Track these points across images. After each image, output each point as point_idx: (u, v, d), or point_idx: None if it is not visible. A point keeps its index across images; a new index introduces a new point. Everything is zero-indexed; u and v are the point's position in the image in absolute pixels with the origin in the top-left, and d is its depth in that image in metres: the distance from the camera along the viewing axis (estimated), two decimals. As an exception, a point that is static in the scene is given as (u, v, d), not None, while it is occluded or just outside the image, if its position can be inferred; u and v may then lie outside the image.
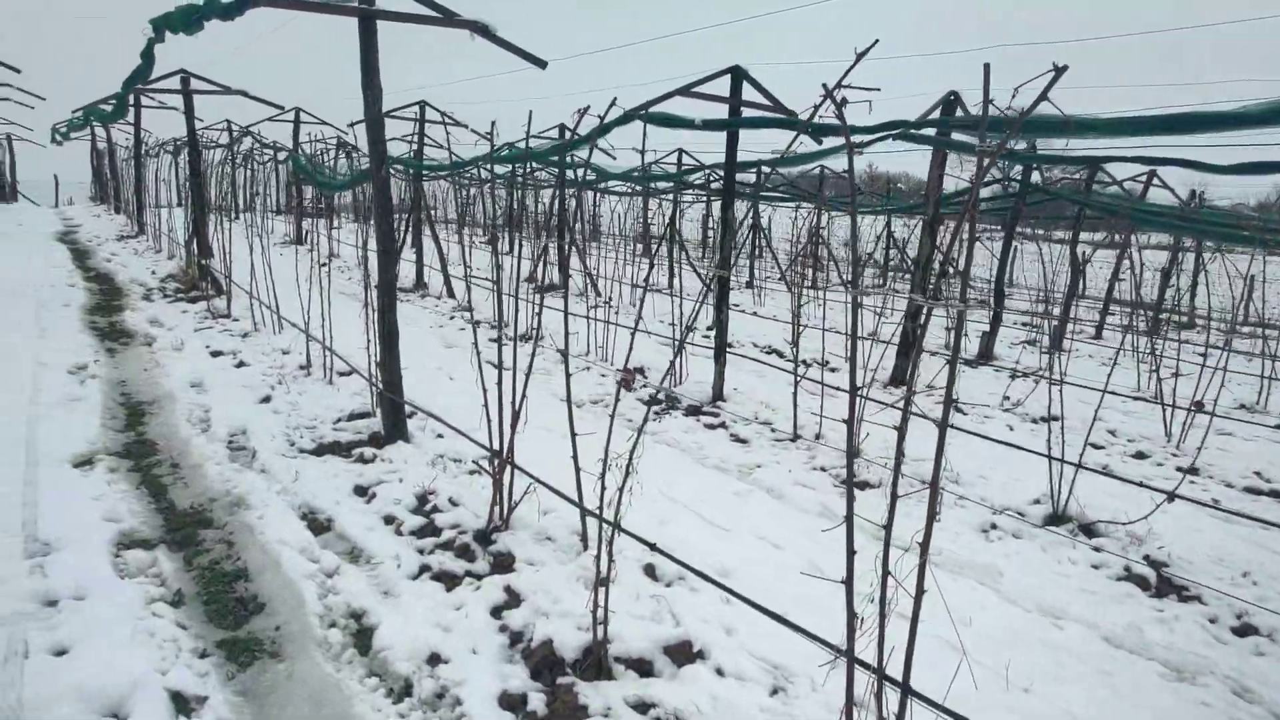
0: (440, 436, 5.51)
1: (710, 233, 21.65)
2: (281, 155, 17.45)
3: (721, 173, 13.92)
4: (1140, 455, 6.22)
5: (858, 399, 3.65)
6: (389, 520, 4.23)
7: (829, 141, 6.47)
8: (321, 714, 2.80)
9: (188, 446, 5.23)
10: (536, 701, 2.83)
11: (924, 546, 2.14)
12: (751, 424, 6.42)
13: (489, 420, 4.12)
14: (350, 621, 3.32)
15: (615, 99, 3.56)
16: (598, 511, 3.09)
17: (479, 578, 3.67)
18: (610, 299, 11.66)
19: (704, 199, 18.12)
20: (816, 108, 2.34)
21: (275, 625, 3.31)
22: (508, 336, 6.56)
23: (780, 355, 9.49)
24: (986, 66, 1.95)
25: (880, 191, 18.25)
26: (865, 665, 2.28)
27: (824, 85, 2.37)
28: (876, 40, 2.09)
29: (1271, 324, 11.17)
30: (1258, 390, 8.35)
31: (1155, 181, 11.27)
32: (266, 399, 6.25)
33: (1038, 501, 4.98)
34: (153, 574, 3.65)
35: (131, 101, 14.83)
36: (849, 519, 2.28)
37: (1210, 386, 6.26)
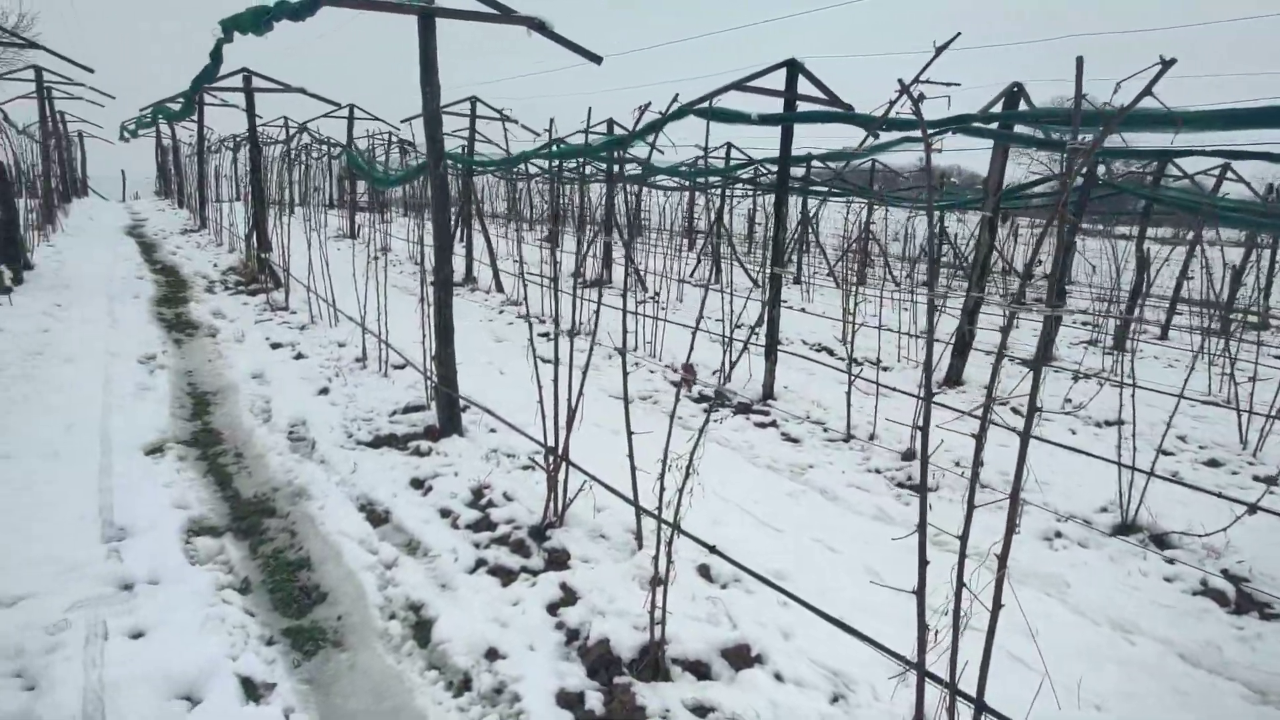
0: (493, 431, 5.56)
1: (758, 227, 21.44)
2: (335, 151, 17.83)
3: (769, 167, 13.77)
4: (1213, 463, 5.95)
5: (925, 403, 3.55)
6: (445, 513, 4.28)
7: (885, 136, 6.32)
8: (383, 705, 2.85)
9: (251, 437, 5.38)
10: (594, 700, 2.83)
11: (1002, 559, 2.07)
12: (803, 423, 6.33)
13: (544, 416, 4.13)
14: (409, 614, 3.37)
15: (677, 95, 3.53)
16: (654, 511, 3.07)
17: (534, 574, 3.69)
18: (657, 294, 11.63)
19: (751, 193, 17.93)
20: (892, 103, 2.27)
21: (337, 615, 3.38)
22: (561, 332, 6.58)
23: (830, 353, 9.35)
24: (1079, 59, 1.86)
25: (934, 185, 17.81)
26: (936, 679, 2.22)
27: (899, 80, 2.30)
28: (959, 33, 2.01)
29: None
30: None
31: (1229, 175, 10.77)
32: (324, 390, 6.39)
33: (1104, 509, 4.79)
34: (221, 561, 3.76)
35: (196, 100, 15.30)
36: (921, 527, 2.22)
37: (1291, 392, 5.96)
